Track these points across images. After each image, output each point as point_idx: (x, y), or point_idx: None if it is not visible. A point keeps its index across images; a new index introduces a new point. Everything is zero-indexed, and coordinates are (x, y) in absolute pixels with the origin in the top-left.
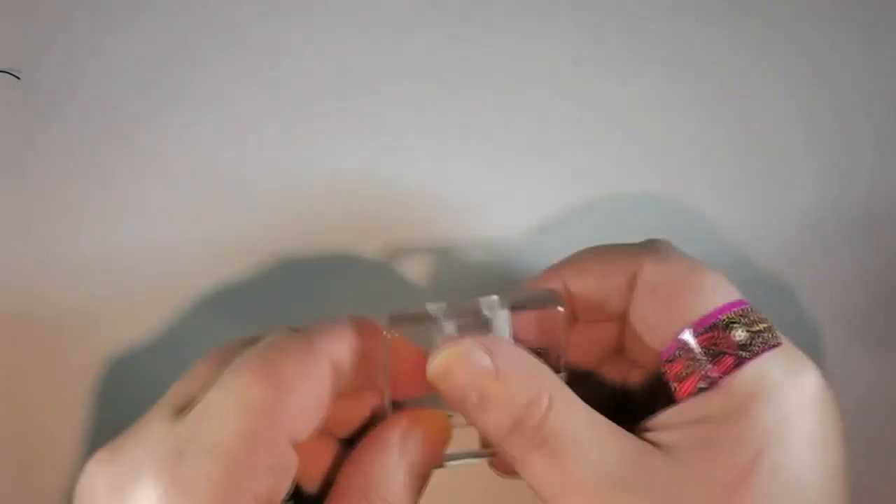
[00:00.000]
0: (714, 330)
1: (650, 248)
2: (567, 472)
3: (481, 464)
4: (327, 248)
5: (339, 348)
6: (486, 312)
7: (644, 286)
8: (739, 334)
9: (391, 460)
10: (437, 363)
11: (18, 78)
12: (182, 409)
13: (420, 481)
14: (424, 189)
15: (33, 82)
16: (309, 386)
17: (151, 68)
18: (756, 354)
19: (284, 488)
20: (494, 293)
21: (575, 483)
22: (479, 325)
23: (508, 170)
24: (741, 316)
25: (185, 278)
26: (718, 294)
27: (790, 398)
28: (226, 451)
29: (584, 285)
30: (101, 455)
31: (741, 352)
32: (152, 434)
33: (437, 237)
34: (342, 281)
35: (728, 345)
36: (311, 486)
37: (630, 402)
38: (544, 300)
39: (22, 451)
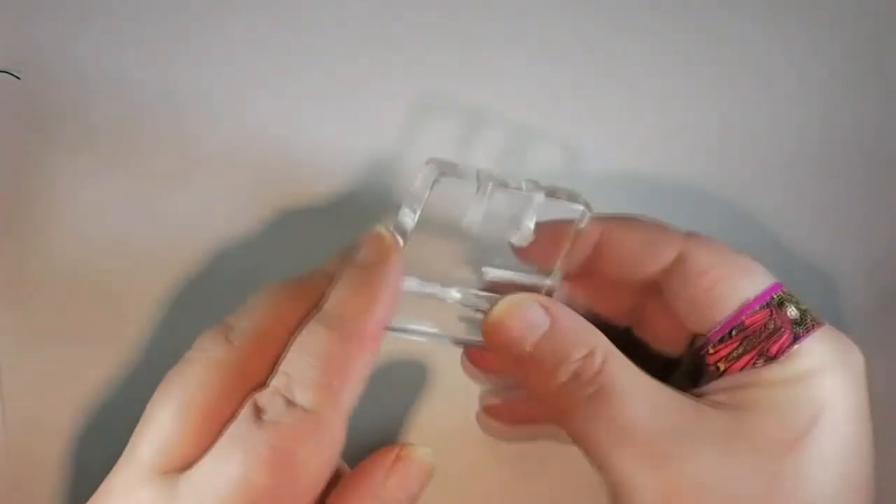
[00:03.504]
0: (769, 307)
1: (694, 233)
2: (620, 421)
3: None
4: None
5: (352, 397)
6: (526, 192)
7: (691, 268)
8: (792, 311)
9: (373, 498)
10: (493, 316)
11: (18, 78)
12: (167, 469)
13: None
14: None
15: (33, 82)
16: (323, 463)
17: (151, 69)
18: (809, 331)
19: None
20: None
21: (628, 430)
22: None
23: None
24: (789, 295)
25: (188, 275)
26: (764, 276)
27: (844, 374)
28: None
29: (625, 242)
30: None
31: (797, 327)
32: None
33: None
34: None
35: (784, 321)
36: None
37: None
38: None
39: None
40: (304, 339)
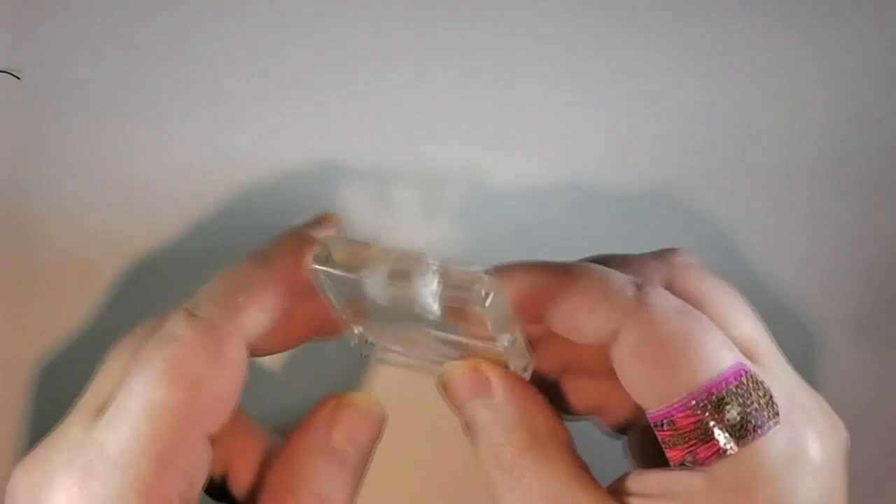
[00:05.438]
0: (705, 410)
1: (645, 291)
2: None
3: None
4: None
5: (256, 321)
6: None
7: (627, 345)
8: (732, 416)
9: (318, 451)
10: (444, 373)
11: (18, 78)
12: (99, 411)
13: (355, 472)
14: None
15: (33, 82)
16: (221, 379)
17: (151, 68)
18: (748, 441)
19: (200, 482)
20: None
21: None
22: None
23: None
24: (736, 389)
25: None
26: (712, 363)
27: (783, 483)
28: (135, 462)
29: (563, 307)
30: (24, 462)
31: (730, 438)
32: (69, 440)
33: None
34: None
35: (720, 425)
36: (242, 490)
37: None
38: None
39: None
40: (226, 269)
